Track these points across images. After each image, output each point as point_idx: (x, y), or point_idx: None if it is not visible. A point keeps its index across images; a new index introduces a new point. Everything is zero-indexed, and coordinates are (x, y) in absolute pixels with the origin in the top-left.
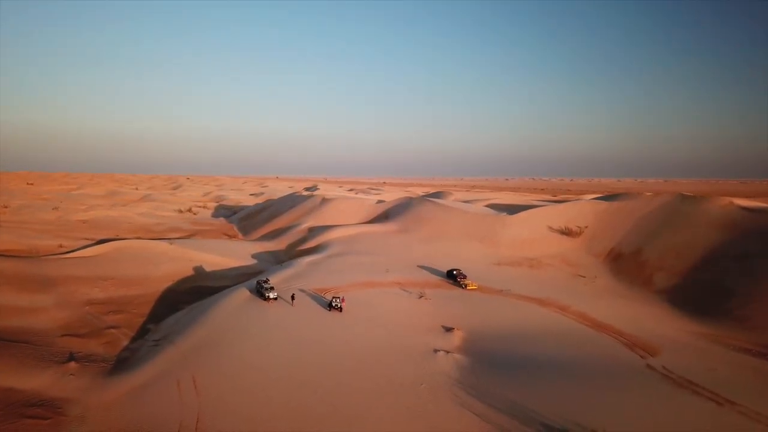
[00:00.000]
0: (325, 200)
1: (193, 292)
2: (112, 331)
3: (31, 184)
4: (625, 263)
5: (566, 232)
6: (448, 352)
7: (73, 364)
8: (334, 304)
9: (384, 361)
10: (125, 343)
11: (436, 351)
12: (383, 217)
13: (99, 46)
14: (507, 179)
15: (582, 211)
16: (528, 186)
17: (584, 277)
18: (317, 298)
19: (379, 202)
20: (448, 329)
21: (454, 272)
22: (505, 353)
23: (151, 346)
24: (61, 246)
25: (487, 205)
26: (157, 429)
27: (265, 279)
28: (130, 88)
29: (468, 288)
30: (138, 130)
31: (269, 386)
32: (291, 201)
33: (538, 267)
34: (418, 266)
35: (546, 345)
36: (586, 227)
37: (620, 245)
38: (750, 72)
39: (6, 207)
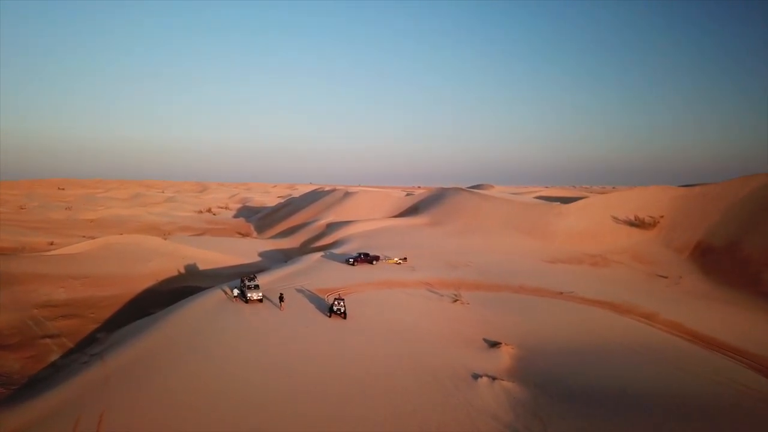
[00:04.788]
0: (347, 194)
1: (178, 293)
2: (47, 341)
3: (62, 189)
4: (718, 259)
5: (637, 223)
6: (494, 378)
7: None
8: (335, 309)
9: (397, 390)
10: (55, 357)
11: (476, 377)
12: (412, 210)
13: (133, 55)
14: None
15: (654, 197)
16: (571, 194)
17: (666, 277)
18: (318, 300)
19: (408, 194)
20: (494, 344)
21: (369, 254)
22: (579, 380)
23: (82, 363)
24: (52, 243)
25: (536, 198)
26: None
27: (251, 275)
28: (173, 98)
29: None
30: (181, 139)
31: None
32: (312, 197)
33: (603, 265)
34: (450, 263)
35: (638, 368)
36: (662, 217)
37: (710, 237)
38: None
39: (23, 208)
